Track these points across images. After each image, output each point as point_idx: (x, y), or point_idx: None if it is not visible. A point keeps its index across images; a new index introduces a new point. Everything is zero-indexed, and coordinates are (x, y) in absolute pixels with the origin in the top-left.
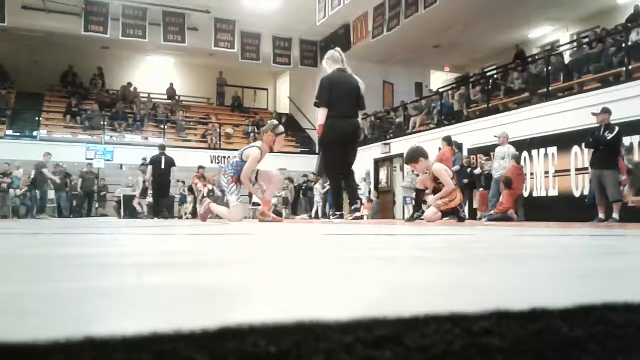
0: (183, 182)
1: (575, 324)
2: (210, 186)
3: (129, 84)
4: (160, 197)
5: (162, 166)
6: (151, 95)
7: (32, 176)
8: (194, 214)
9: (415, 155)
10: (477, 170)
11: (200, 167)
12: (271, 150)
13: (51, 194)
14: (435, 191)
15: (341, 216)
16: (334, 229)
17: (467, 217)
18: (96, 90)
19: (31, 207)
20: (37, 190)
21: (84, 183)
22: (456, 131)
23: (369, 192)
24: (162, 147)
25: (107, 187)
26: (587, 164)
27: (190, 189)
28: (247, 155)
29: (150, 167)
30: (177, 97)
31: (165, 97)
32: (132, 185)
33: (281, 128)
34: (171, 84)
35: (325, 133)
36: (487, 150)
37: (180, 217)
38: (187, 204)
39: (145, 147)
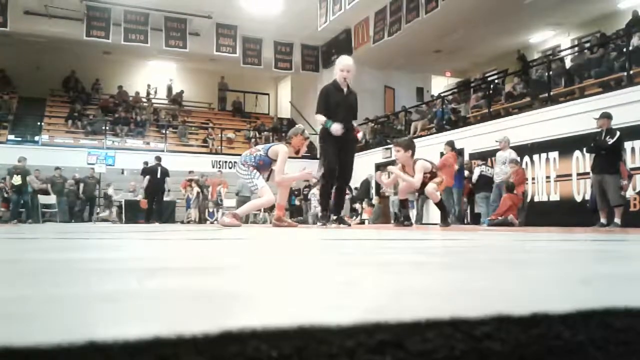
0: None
1: (576, 329)
2: (196, 190)
3: (120, 87)
4: (155, 204)
5: (158, 176)
6: (152, 101)
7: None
8: (198, 220)
9: (411, 144)
10: (474, 176)
11: (190, 172)
12: (296, 154)
13: (52, 199)
14: (424, 185)
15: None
16: (334, 234)
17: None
18: (98, 96)
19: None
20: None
21: (86, 188)
22: (457, 136)
23: (371, 196)
24: (158, 158)
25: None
26: (588, 169)
27: (197, 195)
28: (274, 153)
29: (147, 177)
30: (180, 101)
31: (167, 101)
32: (133, 191)
33: (307, 133)
34: (169, 87)
35: None
36: (489, 156)
37: (182, 222)
38: (190, 210)
39: (147, 152)
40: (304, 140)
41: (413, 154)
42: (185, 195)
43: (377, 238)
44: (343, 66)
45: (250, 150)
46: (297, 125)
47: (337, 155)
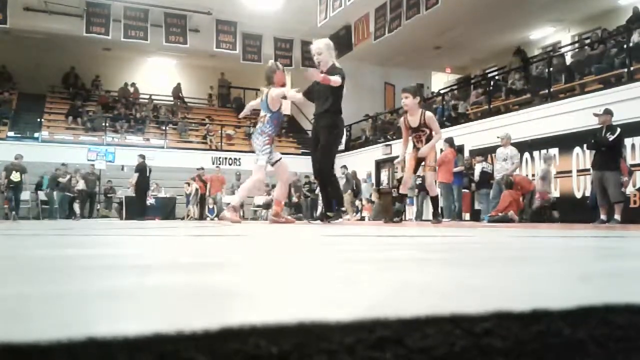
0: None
1: (577, 326)
2: (195, 187)
3: (130, 84)
4: (143, 200)
5: (147, 173)
6: (153, 97)
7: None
8: (200, 216)
9: (418, 91)
10: (476, 173)
11: (199, 168)
12: (283, 86)
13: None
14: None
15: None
16: (334, 231)
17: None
18: (98, 92)
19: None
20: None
21: (86, 184)
22: (457, 132)
23: (370, 193)
24: (142, 157)
25: (114, 189)
26: (589, 165)
27: (196, 192)
28: (274, 104)
29: (137, 174)
30: (180, 95)
31: (169, 98)
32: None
33: (279, 63)
34: (179, 84)
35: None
36: (489, 152)
37: (182, 219)
38: (191, 206)
39: (147, 149)
40: (282, 71)
41: (420, 101)
42: (190, 191)
43: (377, 234)
44: (312, 52)
45: (259, 120)
46: (267, 65)
47: (314, 149)
